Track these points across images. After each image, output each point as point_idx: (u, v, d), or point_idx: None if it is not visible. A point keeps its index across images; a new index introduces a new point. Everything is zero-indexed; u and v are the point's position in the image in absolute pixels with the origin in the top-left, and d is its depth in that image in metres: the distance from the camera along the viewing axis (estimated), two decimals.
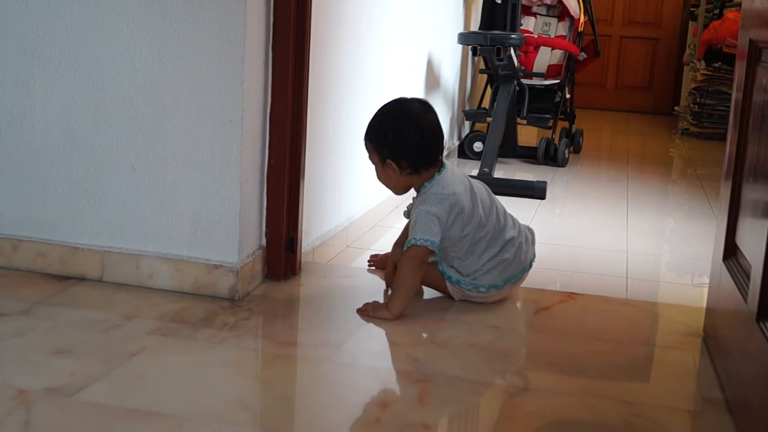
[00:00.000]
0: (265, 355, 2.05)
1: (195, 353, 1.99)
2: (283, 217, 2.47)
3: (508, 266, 2.42)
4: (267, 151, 2.43)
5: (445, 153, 2.62)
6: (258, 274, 2.45)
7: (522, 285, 2.61)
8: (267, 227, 2.47)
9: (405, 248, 2.34)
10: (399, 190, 2.45)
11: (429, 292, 2.52)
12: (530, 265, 2.53)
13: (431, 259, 2.41)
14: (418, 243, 2.29)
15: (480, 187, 2.45)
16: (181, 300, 2.31)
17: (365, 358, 2.05)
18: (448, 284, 2.45)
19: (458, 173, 2.43)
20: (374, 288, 2.55)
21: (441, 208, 2.32)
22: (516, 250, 2.44)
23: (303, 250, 2.62)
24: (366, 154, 2.41)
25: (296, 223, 2.51)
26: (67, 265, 2.44)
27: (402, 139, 2.32)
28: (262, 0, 2.31)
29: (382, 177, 2.42)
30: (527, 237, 2.52)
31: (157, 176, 2.35)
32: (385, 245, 3.10)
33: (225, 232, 2.33)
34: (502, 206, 2.49)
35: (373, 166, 2.43)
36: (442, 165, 2.39)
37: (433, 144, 2.35)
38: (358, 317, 2.28)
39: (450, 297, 2.46)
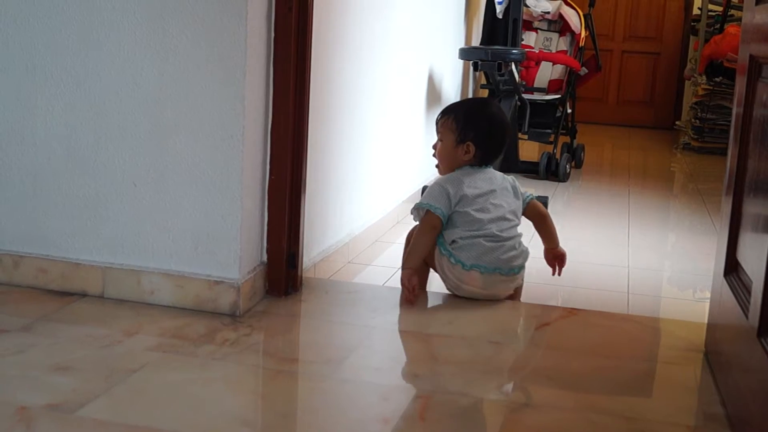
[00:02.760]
0: (266, 372, 2.05)
1: (196, 370, 1.99)
2: (284, 232, 2.47)
3: (485, 252, 2.51)
4: (268, 167, 2.44)
5: None
6: (259, 290, 2.45)
7: (523, 300, 2.61)
8: (268, 243, 2.47)
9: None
10: (449, 168, 2.66)
11: (432, 301, 2.52)
12: (512, 272, 2.55)
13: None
14: (422, 206, 2.55)
15: (504, 192, 2.61)
16: (182, 316, 2.31)
17: (366, 375, 2.05)
18: (437, 256, 2.56)
19: (494, 175, 2.64)
20: (375, 304, 2.55)
21: (453, 187, 2.55)
22: (497, 246, 2.52)
23: (304, 266, 2.62)
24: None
25: (297, 239, 2.51)
26: (68, 281, 2.44)
27: (493, 133, 2.63)
28: (262, 16, 2.32)
29: (444, 153, 2.66)
30: (521, 251, 2.58)
31: (159, 192, 2.35)
32: (386, 261, 3.10)
33: (226, 248, 2.33)
34: (512, 215, 2.60)
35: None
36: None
37: (503, 147, 2.67)
38: (359, 333, 2.28)
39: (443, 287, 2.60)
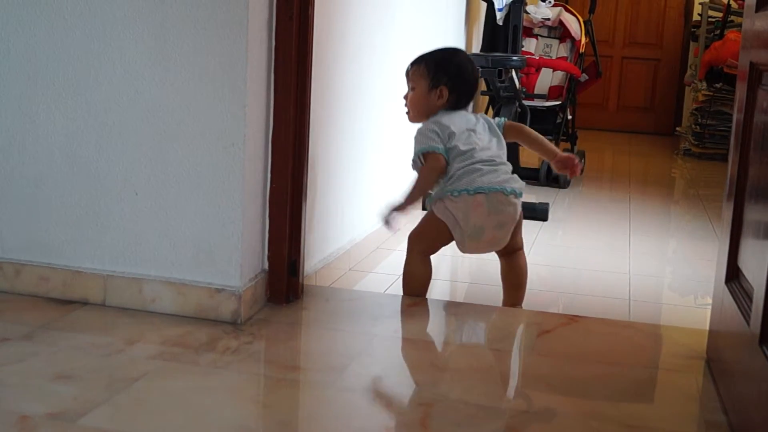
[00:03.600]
0: (268, 380, 2.05)
1: (197, 378, 1.99)
2: (285, 240, 2.47)
3: (483, 174, 2.56)
4: (269, 175, 2.44)
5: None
6: (260, 297, 2.45)
7: (524, 306, 2.60)
8: (269, 251, 2.47)
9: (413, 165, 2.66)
10: (421, 117, 2.71)
11: (433, 309, 2.52)
12: (512, 192, 2.59)
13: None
14: (423, 151, 2.60)
15: (482, 128, 2.68)
16: (183, 324, 2.31)
17: (368, 383, 2.05)
18: (439, 205, 2.60)
19: (468, 116, 2.70)
20: (377, 311, 2.55)
21: (437, 126, 2.62)
22: (493, 169, 2.58)
23: (305, 273, 2.62)
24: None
25: (299, 247, 2.51)
26: (69, 290, 2.44)
27: (464, 76, 2.71)
28: (263, 24, 2.32)
29: (416, 100, 2.71)
30: (516, 177, 2.63)
31: (160, 200, 2.36)
32: (387, 268, 3.10)
33: (227, 256, 2.33)
34: (497, 149, 2.67)
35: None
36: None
37: (474, 91, 2.76)
38: (361, 341, 2.28)
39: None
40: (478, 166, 2.57)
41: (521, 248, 2.72)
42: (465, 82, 2.71)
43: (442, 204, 2.59)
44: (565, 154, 2.71)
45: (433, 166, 2.59)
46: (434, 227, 2.61)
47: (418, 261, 2.66)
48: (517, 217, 2.63)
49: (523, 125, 2.84)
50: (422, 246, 2.66)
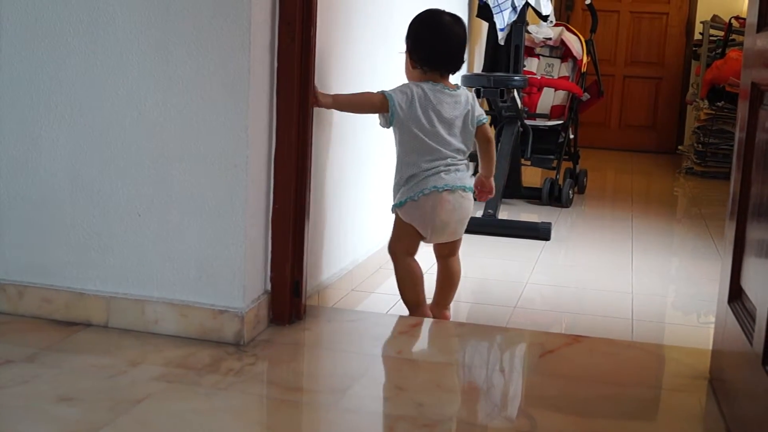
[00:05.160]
0: (271, 402, 2.04)
1: (200, 400, 1.98)
2: (288, 261, 2.47)
3: (446, 174, 2.62)
4: (272, 196, 2.44)
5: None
6: (263, 318, 2.45)
7: (526, 326, 2.60)
8: (272, 271, 2.47)
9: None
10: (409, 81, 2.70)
11: (435, 330, 2.51)
12: (469, 190, 2.68)
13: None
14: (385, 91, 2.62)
15: (457, 111, 2.65)
16: (186, 345, 2.31)
17: (371, 404, 2.04)
18: (394, 211, 2.72)
19: (461, 95, 2.66)
20: (379, 331, 2.55)
21: (405, 89, 2.61)
22: (454, 168, 2.63)
23: (308, 294, 2.62)
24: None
25: (301, 267, 2.51)
26: (72, 311, 2.44)
27: (420, 38, 2.65)
28: (266, 45, 2.33)
29: (405, 67, 2.72)
30: (466, 173, 2.68)
31: (162, 222, 2.36)
32: (390, 288, 3.10)
33: (230, 277, 2.33)
34: (460, 141, 2.66)
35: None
36: (457, 87, 2.68)
37: (442, 51, 2.65)
38: (363, 362, 2.28)
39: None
40: (443, 165, 2.61)
41: (458, 252, 2.80)
42: (422, 44, 2.64)
43: (406, 208, 2.65)
44: (486, 181, 2.79)
45: (371, 99, 2.61)
46: (405, 230, 2.69)
47: (403, 264, 2.72)
48: (470, 213, 2.73)
49: (491, 141, 2.78)
50: (401, 248, 2.72)
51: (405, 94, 2.60)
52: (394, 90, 2.61)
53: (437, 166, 2.60)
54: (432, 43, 2.64)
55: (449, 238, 2.71)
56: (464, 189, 2.64)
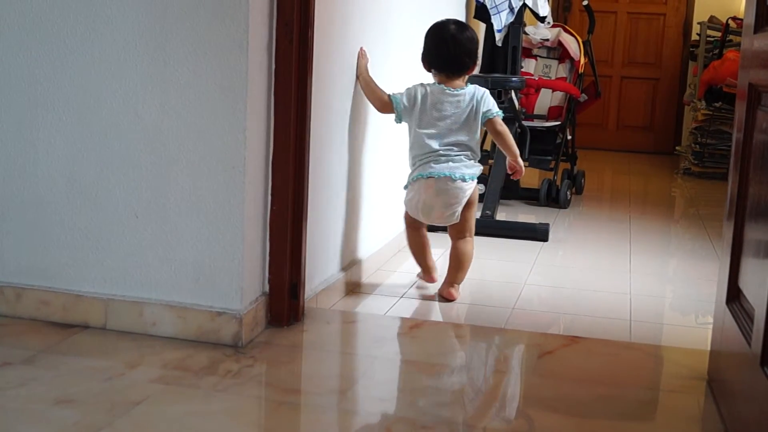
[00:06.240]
0: (269, 403, 2.04)
1: (198, 402, 1.98)
2: (286, 262, 2.47)
3: (435, 164, 2.94)
4: (270, 197, 2.44)
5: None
6: (261, 320, 2.44)
7: (524, 327, 2.59)
8: (270, 273, 2.47)
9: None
10: None
11: (434, 331, 2.51)
12: (458, 178, 2.93)
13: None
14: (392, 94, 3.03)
15: (459, 109, 2.96)
16: (184, 347, 2.31)
17: (369, 405, 2.04)
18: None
19: (463, 94, 2.97)
20: (378, 333, 2.55)
21: (410, 91, 2.99)
22: (445, 158, 2.93)
23: (306, 296, 2.62)
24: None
25: (299, 269, 2.51)
26: (70, 313, 2.44)
27: (426, 45, 3.03)
28: (263, 47, 2.33)
29: None
30: (464, 163, 2.96)
31: (160, 224, 2.36)
32: (388, 289, 3.10)
33: (228, 278, 2.33)
34: (462, 134, 2.97)
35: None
36: (463, 87, 2.99)
37: (441, 55, 2.98)
38: (362, 364, 2.28)
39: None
40: (432, 156, 2.93)
41: (469, 235, 3.07)
42: (428, 51, 3.01)
43: (406, 192, 3.03)
44: (513, 164, 3.09)
45: (381, 97, 3.01)
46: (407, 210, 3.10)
47: (409, 234, 3.14)
48: (464, 200, 2.96)
49: (500, 133, 3.03)
50: (407, 221, 3.13)
51: (410, 95, 2.97)
52: (402, 91, 2.98)
53: (429, 157, 2.93)
54: (433, 50, 3.00)
55: (439, 220, 3.00)
56: (452, 177, 2.91)
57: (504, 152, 3.10)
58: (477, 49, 3.09)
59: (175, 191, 2.34)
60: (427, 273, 3.16)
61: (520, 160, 3.10)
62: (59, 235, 2.44)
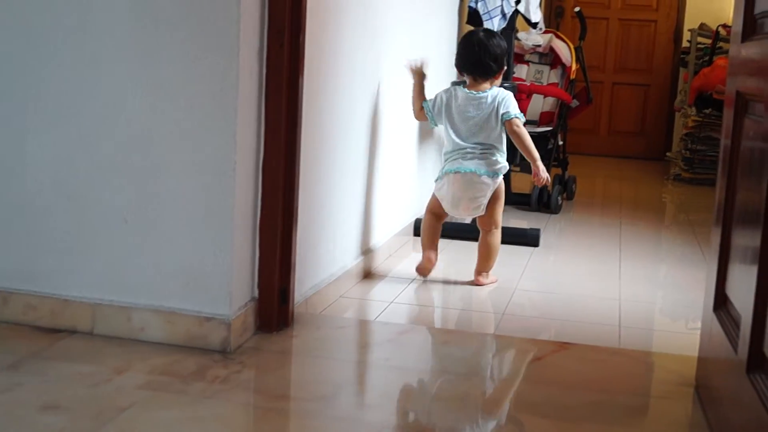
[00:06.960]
0: (257, 410, 2.04)
1: (186, 408, 1.98)
2: (275, 267, 2.46)
3: (463, 160, 3.24)
4: (260, 202, 2.44)
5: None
6: (250, 326, 2.44)
7: (514, 332, 2.59)
8: (259, 278, 2.47)
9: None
10: None
11: (424, 337, 2.51)
12: (483, 174, 3.22)
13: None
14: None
15: (482, 111, 3.25)
16: (172, 353, 2.30)
17: (358, 412, 2.04)
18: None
19: (485, 97, 3.26)
20: (368, 339, 2.55)
21: (441, 96, 3.34)
22: (471, 155, 3.23)
23: (296, 301, 2.61)
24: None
25: (289, 274, 2.51)
26: (57, 318, 2.43)
27: (458, 50, 3.41)
28: (254, 52, 2.33)
29: None
30: (488, 160, 3.25)
31: (149, 228, 2.35)
32: (378, 295, 3.10)
33: (217, 284, 2.32)
34: (485, 135, 3.26)
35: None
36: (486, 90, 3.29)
37: (465, 59, 3.32)
38: (351, 369, 2.27)
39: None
40: (461, 153, 3.24)
41: (495, 227, 3.34)
42: (458, 56, 3.36)
43: (436, 184, 3.32)
44: (533, 168, 3.31)
45: (419, 103, 3.39)
46: (434, 198, 3.36)
47: (426, 217, 3.40)
48: (489, 193, 3.25)
49: (515, 134, 3.26)
50: (429, 207, 3.39)
51: (437, 100, 3.33)
52: (433, 97, 3.35)
53: (457, 154, 3.25)
54: (463, 54, 3.34)
55: (465, 212, 3.32)
56: (477, 173, 3.21)
57: (522, 153, 3.34)
58: (504, 55, 3.33)
59: (164, 196, 2.33)
60: (426, 257, 3.33)
61: (539, 163, 3.30)
62: (47, 238, 2.43)
